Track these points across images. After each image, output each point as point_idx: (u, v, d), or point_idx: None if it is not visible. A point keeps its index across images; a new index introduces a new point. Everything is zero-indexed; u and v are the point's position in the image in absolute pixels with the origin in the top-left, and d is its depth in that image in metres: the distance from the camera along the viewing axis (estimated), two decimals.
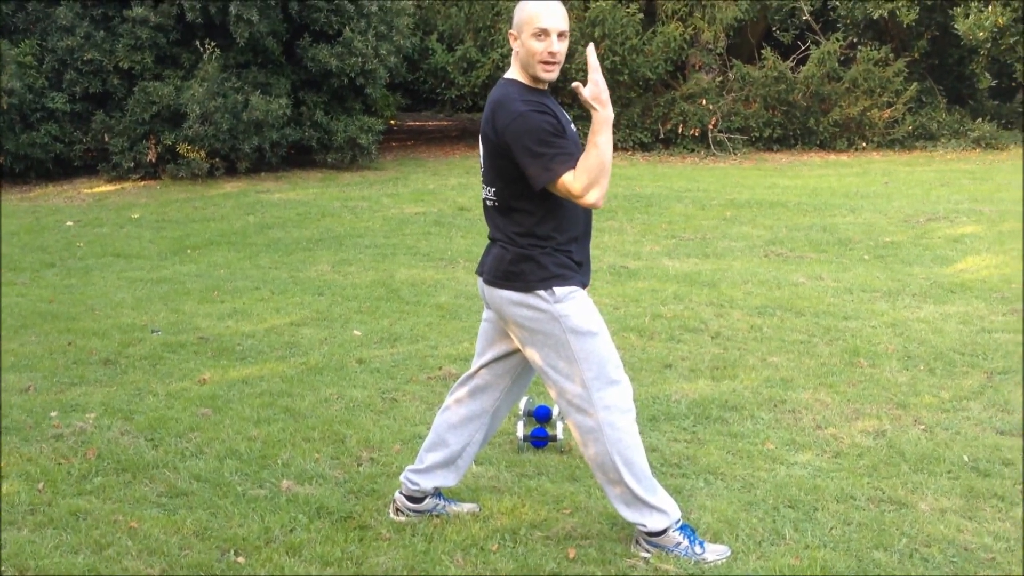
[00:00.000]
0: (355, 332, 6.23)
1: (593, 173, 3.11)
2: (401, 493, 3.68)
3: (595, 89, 3.11)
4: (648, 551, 3.41)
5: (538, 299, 3.29)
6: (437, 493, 3.70)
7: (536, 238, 3.28)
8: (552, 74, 3.25)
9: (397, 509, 3.68)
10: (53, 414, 4.81)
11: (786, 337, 5.96)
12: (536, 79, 3.27)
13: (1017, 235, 8.98)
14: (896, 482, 3.94)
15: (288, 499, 3.83)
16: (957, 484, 3.91)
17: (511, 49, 3.30)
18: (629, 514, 3.39)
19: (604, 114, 3.12)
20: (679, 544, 3.38)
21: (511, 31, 3.29)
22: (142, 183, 13.91)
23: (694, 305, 6.74)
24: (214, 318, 6.62)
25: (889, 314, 6.43)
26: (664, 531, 3.38)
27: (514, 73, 3.33)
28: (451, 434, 3.60)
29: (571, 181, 3.12)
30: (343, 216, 10.90)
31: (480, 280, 3.45)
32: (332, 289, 7.43)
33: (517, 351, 3.50)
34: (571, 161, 3.15)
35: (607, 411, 3.29)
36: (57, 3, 13.75)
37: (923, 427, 4.51)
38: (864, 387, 5.06)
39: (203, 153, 13.70)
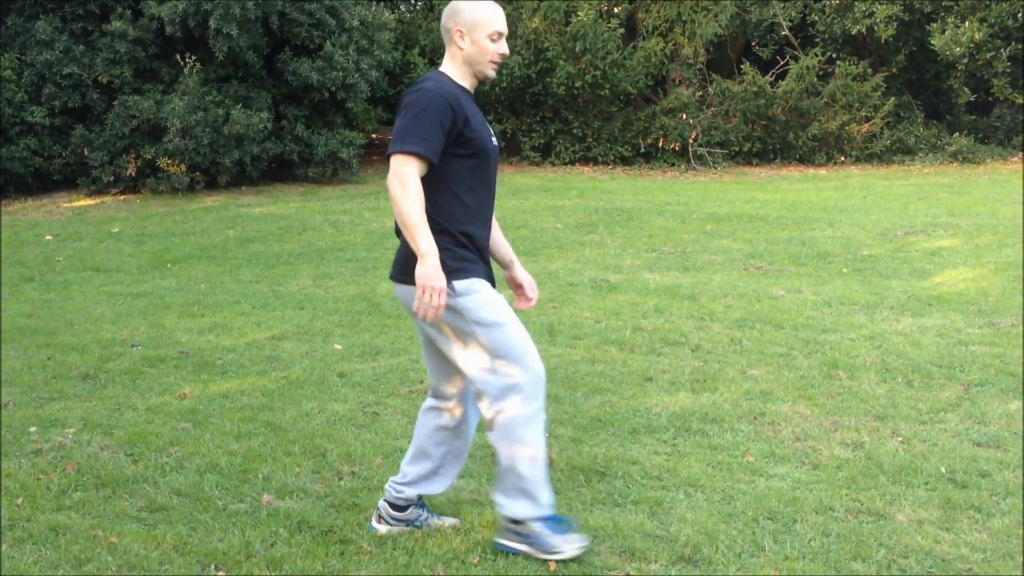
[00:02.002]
0: (336, 346, 6.23)
1: (400, 198, 3.15)
2: (385, 500, 3.68)
3: (435, 298, 3.14)
4: (511, 541, 3.47)
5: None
6: (420, 504, 3.71)
7: (435, 223, 3.26)
8: (495, 72, 3.44)
9: (380, 517, 3.68)
10: (32, 429, 4.78)
11: (766, 350, 6.00)
12: (479, 76, 3.42)
13: (994, 248, 9.07)
14: (874, 494, 3.97)
15: (269, 513, 3.83)
16: (934, 496, 3.95)
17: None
18: (506, 503, 3.44)
19: (422, 262, 3.14)
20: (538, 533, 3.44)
21: (457, 28, 3.37)
22: (122, 197, 13.87)
23: (674, 318, 6.78)
24: (194, 332, 6.61)
25: (867, 327, 6.48)
26: (526, 520, 3.43)
27: (448, 67, 3.43)
28: (430, 444, 3.62)
29: (399, 169, 3.16)
30: (324, 230, 10.90)
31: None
32: (313, 303, 7.42)
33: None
34: (424, 147, 3.18)
35: (513, 399, 3.32)
36: (36, 17, 13.72)
37: (901, 439, 4.55)
38: (843, 399, 5.10)
39: (183, 167, 13.68)
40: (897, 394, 5.16)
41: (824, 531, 3.66)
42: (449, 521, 3.73)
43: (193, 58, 13.49)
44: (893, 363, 5.68)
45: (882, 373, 5.52)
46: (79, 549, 3.56)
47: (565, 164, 17.23)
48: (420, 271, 3.13)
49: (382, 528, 3.67)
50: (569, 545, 3.44)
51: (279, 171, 15.30)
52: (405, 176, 3.17)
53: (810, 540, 3.59)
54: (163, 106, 13.35)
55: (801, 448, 4.47)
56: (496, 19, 3.38)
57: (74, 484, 4.13)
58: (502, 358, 3.32)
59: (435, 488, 3.67)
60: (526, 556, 3.44)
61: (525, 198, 13.18)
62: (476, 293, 3.33)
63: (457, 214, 3.33)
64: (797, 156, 17.47)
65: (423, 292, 3.12)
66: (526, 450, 3.37)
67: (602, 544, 3.57)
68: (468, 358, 3.36)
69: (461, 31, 3.37)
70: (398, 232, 3.38)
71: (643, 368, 5.65)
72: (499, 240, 3.73)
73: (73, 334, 6.62)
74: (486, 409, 3.39)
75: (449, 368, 3.55)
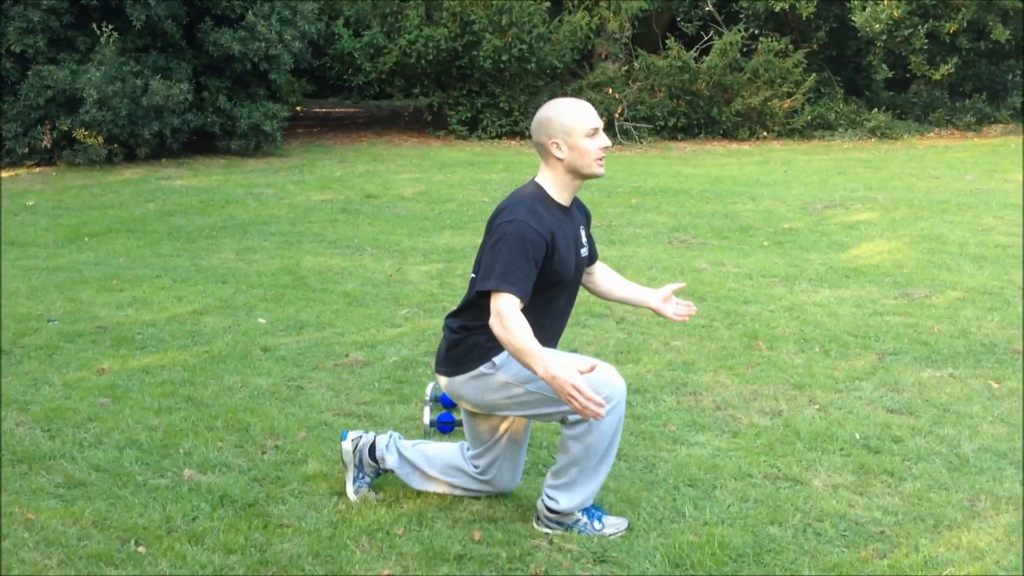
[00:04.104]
0: (260, 320, 6.17)
1: (504, 334, 3.12)
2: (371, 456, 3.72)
3: (578, 394, 3.03)
4: (550, 528, 3.46)
5: (482, 374, 3.36)
6: (377, 472, 3.72)
7: (489, 336, 3.27)
8: (604, 168, 3.37)
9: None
10: None
11: (688, 322, 6.04)
12: (587, 178, 3.36)
13: (909, 222, 9.30)
14: (791, 460, 4.06)
15: (190, 488, 3.79)
16: (849, 461, 4.05)
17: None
18: (553, 483, 3.44)
19: (548, 373, 3.05)
20: (579, 521, 3.45)
21: (551, 140, 3.30)
22: (37, 169, 13.51)
23: None
24: (113, 307, 6.48)
25: (787, 298, 6.61)
26: (572, 512, 3.44)
27: (545, 179, 3.38)
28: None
29: (501, 307, 3.13)
30: (247, 203, 10.75)
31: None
32: (236, 277, 7.33)
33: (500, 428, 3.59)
34: (521, 288, 3.16)
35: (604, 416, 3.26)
36: None
37: (817, 407, 4.66)
38: (762, 369, 5.20)
39: (101, 139, 13.36)
40: (814, 363, 5.28)
41: (743, 496, 3.73)
42: (374, 496, 3.73)
43: (110, 27, 13.14)
44: (811, 333, 5.81)
45: (800, 343, 5.63)
46: None
47: (492, 138, 17.21)
48: (550, 380, 3.03)
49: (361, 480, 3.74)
50: (611, 528, 3.46)
51: (200, 143, 15.02)
52: (507, 315, 3.11)
53: (729, 505, 3.66)
54: (79, 76, 13.00)
55: (721, 417, 4.55)
56: (588, 116, 3.30)
57: None
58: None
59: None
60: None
61: (452, 172, 13.14)
62: (513, 360, 3.28)
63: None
64: (721, 131, 17.69)
65: (573, 398, 3.01)
66: (604, 450, 3.38)
67: (527, 512, 3.60)
68: (548, 411, 3.34)
69: (556, 142, 3.30)
70: (445, 324, 3.45)
71: (568, 340, 5.69)
72: (623, 285, 3.74)
73: None
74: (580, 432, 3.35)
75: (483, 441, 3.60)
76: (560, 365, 3.02)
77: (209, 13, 13.96)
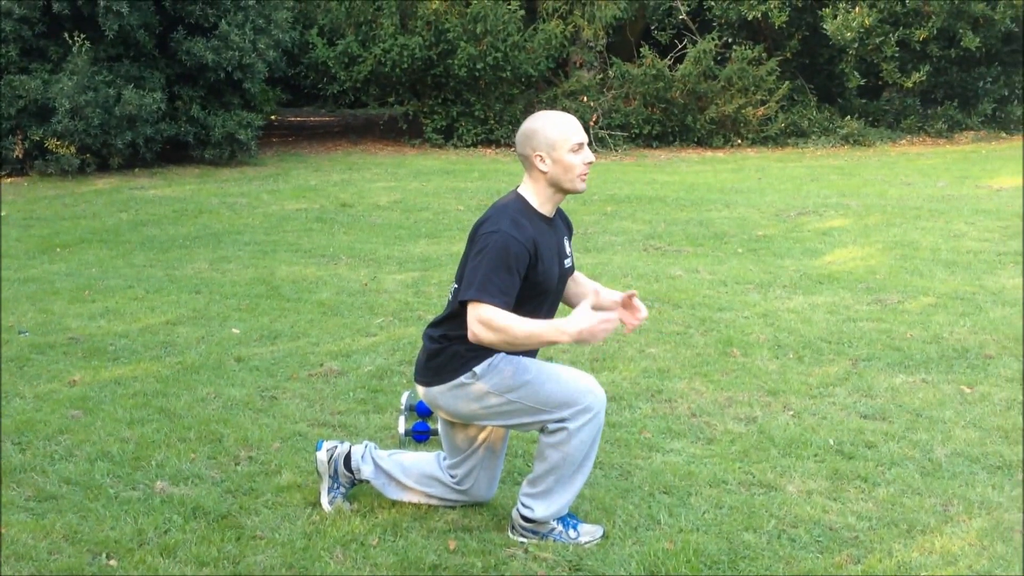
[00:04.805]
0: (234, 330, 6.13)
1: (501, 336, 3.14)
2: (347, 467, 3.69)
3: (606, 322, 3.12)
4: (525, 537, 3.46)
5: (462, 384, 3.35)
6: (352, 482, 3.70)
7: (470, 346, 3.29)
8: (586, 184, 3.39)
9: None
10: None
11: (663, 329, 6.09)
12: (568, 192, 3.37)
13: (882, 228, 9.37)
14: (766, 466, 4.07)
15: (162, 500, 3.76)
16: (823, 467, 4.07)
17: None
18: (529, 491, 3.44)
19: (566, 329, 3.12)
20: (554, 530, 3.45)
21: (535, 152, 3.30)
22: (8, 180, 13.39)
23: None
24: (85, 318, 6.43)
25: (761, 305, 6.63)
26: (547, 520, 3.44)
27: (528, 190, 3.38)
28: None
29: (483, 315, 3.14)
30: (221, 213, 10.69)
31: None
32: (210, 287, 7.28)
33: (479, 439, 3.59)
34: (502, 299, 3.16)
35: (582, 418, 3.32)
36: None
37: (792, 413, 4.68)
38: (737, 376, 5.21)
39: (73, 149, 13.25)
40: (788, 370, 5.30)
41: (717, 503, 3.74)
42: (348, 506, 3.72)
43: (82, 36, 13.05)
44: (785, 340, 5.83)
45: (774, 349, 5.66)
46: None
47: (467, 146, 17.20)
48: (576, 335, 3.10)
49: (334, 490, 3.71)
50: (586, 537, 3.46)
51: (174, 153, 14.93)
52: (491, 317, 3.13)
53: (704, 512, 3.67)
54: (51, 86, 12.91)
55: (696, 424, 4.56)
56: (573, 131, 3.30)
57: None
58: (557, 405, 3.31)
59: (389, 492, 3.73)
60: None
61: (427, 180, 13.13)
62: (495, 368, 3.32)
63: None
64: (695, 139, 17.76)
65: (593, 334, 3.10)
66: (581, 459, 3.38)
67: (502, 522, 3.59)
68: (527, 421, 3.36)
69: (540, 155, 3.30)
70: (425, 333, 3.45)
71: (543, 348, 5.67)
72: (581, 283, 3.70)
73: None
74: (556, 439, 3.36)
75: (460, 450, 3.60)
76: (575, 320, 3.10)
77: (182, 22, 13.89)
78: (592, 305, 3.28)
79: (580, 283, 3.70)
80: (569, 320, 3.12)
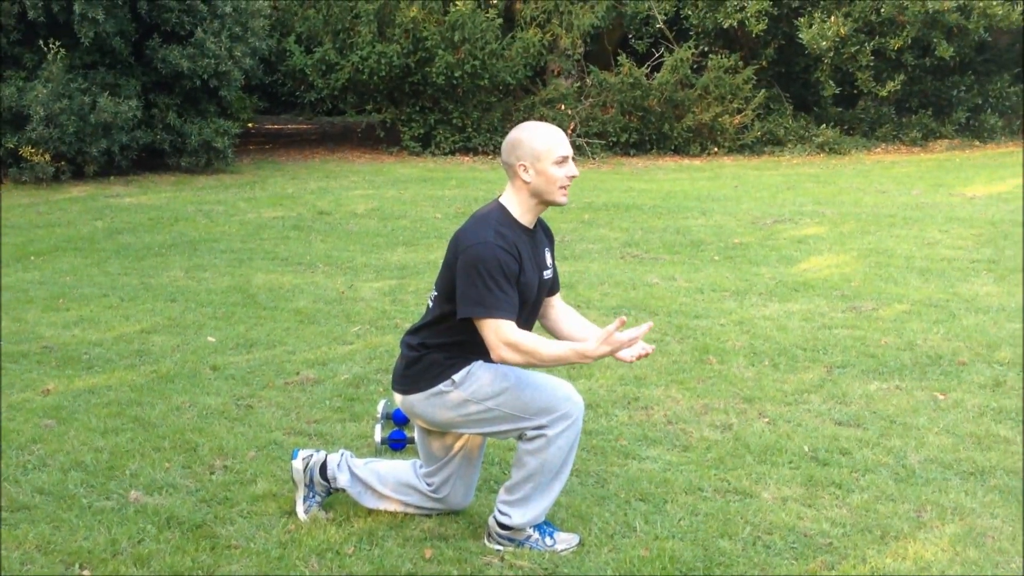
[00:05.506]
0: (209, 339, 6.10)
1: (527, 359, 3.18)
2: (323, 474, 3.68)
3: (614, 341, 3.12)
4: (501, 545, 3.45)
5: (440, 392, 3.35)
6: (328, 491, 3.69)
7: (446, 348, 3.33)
8: (567, 197, 3.37)
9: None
10: None
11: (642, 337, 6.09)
12: (549, 204, 3.37)
13: (857, 235, 9.43)
14: (741, 473, 4.09)
15: (136, 510, 3.73)
16: (798, 473, 4.09)
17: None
18: (507, 499, 3.44)
19: (589, 353, 3.15)
20: (530, 537, 3.45)
21: (519, 162, 3.30)
22: None
23: None
24: (59, 326, 6.38)
25: (737, 312, 6.66)
26: (523, 527, 3.44)
27: (510, 199, 3.38)
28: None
29: (508, 337, 3.16)
30: (197, 220, 10.65)
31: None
32: (185, 295, 7.25)
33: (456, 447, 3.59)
34: (510, 312, 3.19)
35: (559, 433, 3.33)
36: None
37: (767, 420, 4.70)
38: (713, 383, 5.23)
39: (48, 156, 13.17)
40: (764, 377, 5.32)
41: (693, 510, 3.75)
42: (324, 515, 3.70)
43: (57, 44, 12.98)
44: (761, 347, 5.86)
45: (750, 357, 5.68)
46: None
47: (445, 154, 17.21)
48: (595, 356, 3.15)
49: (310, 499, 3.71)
50: (562, 544, 3.46)
51: (150, 161, 14.86)
52: (516, 340, 3.16)
53: (680, 519, 3.68)
54: (26, 93, 12.83)
55: (672, 431, 4.57)
56: (558, 143, 3.30)
57: None
58: (536, 412, 3.31)
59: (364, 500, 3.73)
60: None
61: (405, 188, 13.12)
62: (473, 375, 3.33)
63: (479, 349, 3.30)
64: (672, 147, 17.84)
65: (612, 350, 3.13)
66: (559, 466, 3.38)
67: (478, 531, 3.59)
68: (506, 428, 3.36)
69: (524, 165, 3.30)
70: (402, 341, 3.47)
71: None
72: (578, 324, 3.67)
73: None
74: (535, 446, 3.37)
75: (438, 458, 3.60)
76: (596, 343, 3.12)
77: (158, 30, 13.84)
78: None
79: (571, 317, 3.70)
80: (589, 344, 3.15)
